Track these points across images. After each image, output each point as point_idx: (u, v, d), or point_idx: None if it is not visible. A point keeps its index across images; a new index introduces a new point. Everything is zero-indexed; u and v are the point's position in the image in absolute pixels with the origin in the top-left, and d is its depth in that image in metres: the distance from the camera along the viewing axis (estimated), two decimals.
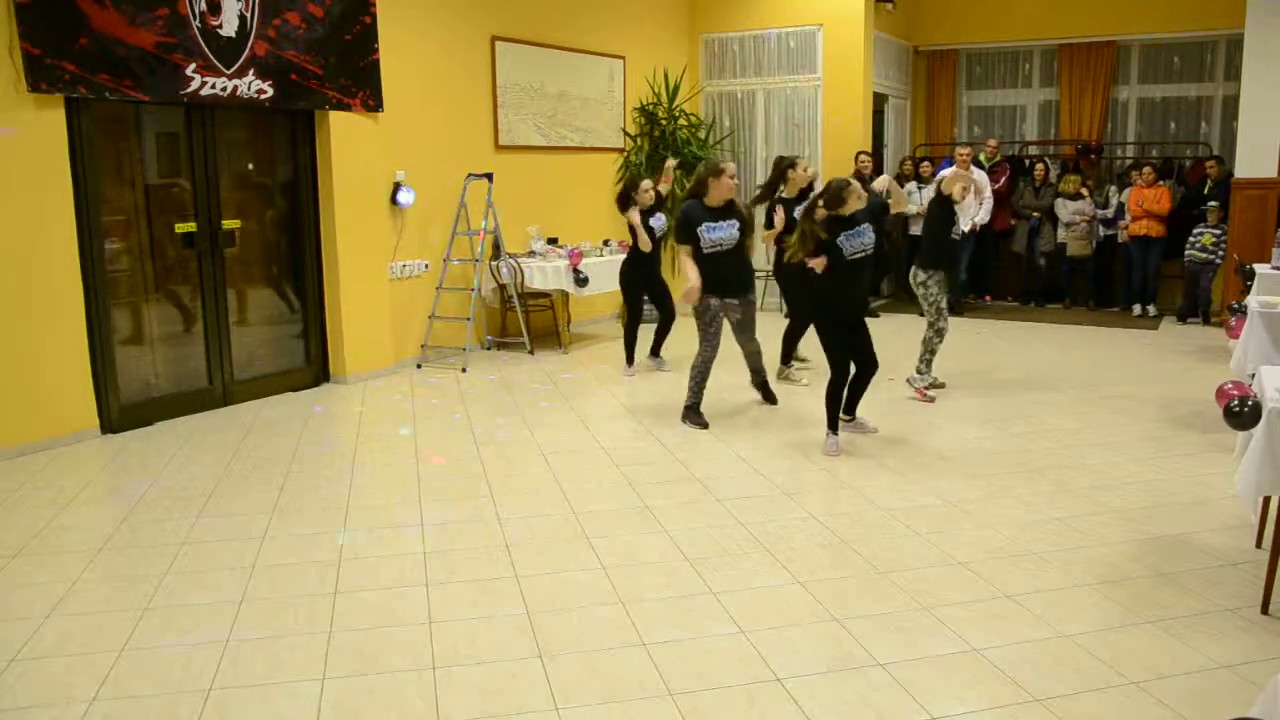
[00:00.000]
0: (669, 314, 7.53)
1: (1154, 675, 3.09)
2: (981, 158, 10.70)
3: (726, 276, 5.83)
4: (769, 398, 6.49)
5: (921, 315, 6.65)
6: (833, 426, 5.44)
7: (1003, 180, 10.55)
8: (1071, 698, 2.96)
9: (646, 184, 7.32)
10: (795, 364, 7.22)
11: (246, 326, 6.90)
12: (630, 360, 7.48)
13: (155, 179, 6.35)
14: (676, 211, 6.24)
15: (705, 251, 5.76)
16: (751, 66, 10.78)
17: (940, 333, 6.54)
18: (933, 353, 6.60)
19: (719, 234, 5.78)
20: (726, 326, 6.02)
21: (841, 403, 5.47)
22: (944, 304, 6.55)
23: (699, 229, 5.75)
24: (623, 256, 7.81)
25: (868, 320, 5.54)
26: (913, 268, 6.60)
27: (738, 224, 5.85)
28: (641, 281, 7.45)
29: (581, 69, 9.45)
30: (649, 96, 10.21)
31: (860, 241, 5.28)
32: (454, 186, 8.10)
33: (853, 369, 5.47)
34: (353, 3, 7.00)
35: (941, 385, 6.89)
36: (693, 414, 6.01)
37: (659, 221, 7.34)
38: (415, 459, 5.45)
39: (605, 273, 8.47)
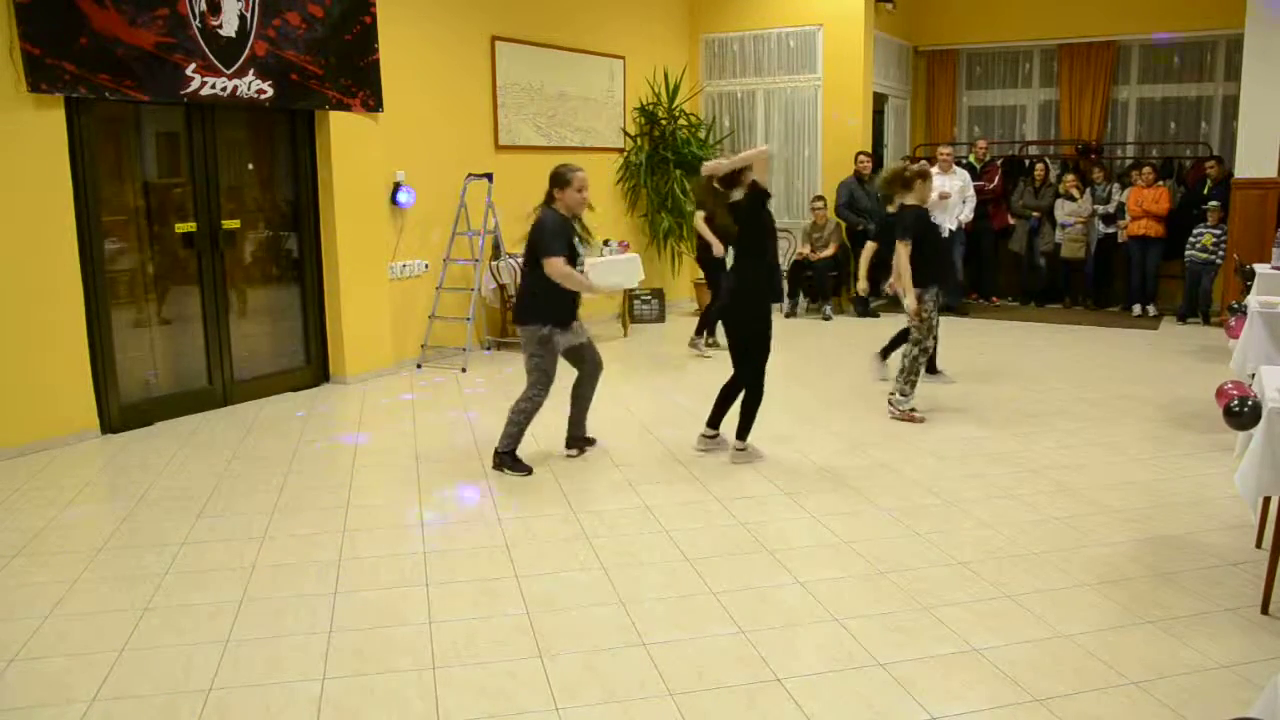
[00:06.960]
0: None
1: (1154, 675, 3.08)
2: (971, 159, 10.66)
3: None
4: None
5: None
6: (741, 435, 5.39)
7: (996, 180, 10.52)
8: (1071, 698, 2.96)
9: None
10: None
11: (246, 326, 6.90)
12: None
13: (155, 179, 6.35)
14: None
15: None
16: (751, 66, 10.78)
17: (926, 351, 6.16)
18: (917, 373, 6.12)
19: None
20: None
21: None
22: (936, 320, 6.16)
23: None
24: (623, 256, 8.32)
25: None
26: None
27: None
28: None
29: (581, 69, 9.45)
30: (649, 96, 10.21)
31: None
32: (454, 186, 8.11)
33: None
34: (353, 3, 7.00)
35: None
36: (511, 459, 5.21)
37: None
38: (415, 459, 5.45)
39: (605, 273, 8.48)
